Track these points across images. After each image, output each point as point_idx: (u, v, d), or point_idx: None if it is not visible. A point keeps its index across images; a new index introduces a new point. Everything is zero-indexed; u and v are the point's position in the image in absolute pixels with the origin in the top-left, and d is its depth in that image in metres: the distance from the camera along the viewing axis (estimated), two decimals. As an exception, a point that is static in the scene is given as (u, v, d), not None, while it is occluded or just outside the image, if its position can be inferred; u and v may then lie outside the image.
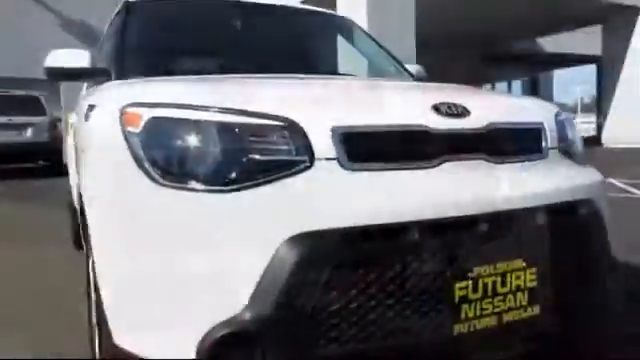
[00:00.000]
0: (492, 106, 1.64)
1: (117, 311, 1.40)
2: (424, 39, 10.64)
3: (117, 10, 2.86)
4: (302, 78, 1.96)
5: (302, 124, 1.34)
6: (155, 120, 1.41)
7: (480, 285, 1.37)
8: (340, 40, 2.92)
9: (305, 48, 2.80)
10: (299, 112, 1.36)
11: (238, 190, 1.28)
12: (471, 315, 1.37)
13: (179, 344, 1.28)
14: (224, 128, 1.34)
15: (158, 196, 1.33)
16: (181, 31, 2.57)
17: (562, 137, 1.74)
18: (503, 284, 1.40)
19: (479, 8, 13.95)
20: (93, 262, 1.50)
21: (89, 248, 1.90)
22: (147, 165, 1.37)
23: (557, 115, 1.78)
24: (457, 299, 1.34)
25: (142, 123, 1.43)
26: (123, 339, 1.38)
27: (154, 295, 1.31)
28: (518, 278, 1.42)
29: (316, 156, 1.33)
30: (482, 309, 1.38)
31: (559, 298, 1.51)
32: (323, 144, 1.33)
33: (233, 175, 1.30)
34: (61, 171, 10.74)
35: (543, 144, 1.66)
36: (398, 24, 9.63)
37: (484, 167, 1.50)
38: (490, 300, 1.39)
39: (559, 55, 20.42)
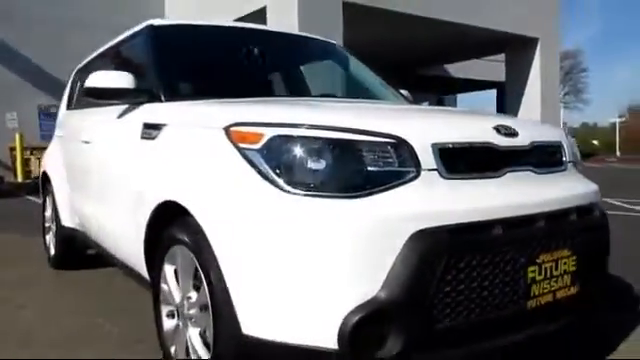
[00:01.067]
0: (530, 127, 2.02)
1: (250, 306, 1.60)
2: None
3: (134, 32, 2.97)
4: (360, 102, 2.26)
5: (409, 141, 1.63)
6: (280, 138, 1.63)
7: (543, 269, 1.73)
8: (345, 66, 3.26)
9: (325, 75, 3.10)
10: (404, 131, 1.65)
11: (366, 196, 1.55)
12: (537, 293, 1.72)
13: (318, 325, 1.51)
14: (346, 144, 1.60)
15: (290, 202, 1.56)
16: (214, 54, 2.77)
17: (572, 153, 2.16)
18: (556, 268, 1.77)
19: (394, 36, 14.89)
20: (215, 267, 1.67)
21: (161, 267, 2.05)
22: (274, 176, 1.60)
23: (566, 135, 2.20)
24: (529, 280, 1.69)
25: (264, 140, 1.66)
26: (255, 329, 1.59)
27: (290, 289, 1.54)
28: (565, 264, 1.80)
29: (422, 167, 1.62)
30: (543, 288, 1.74)
31: (588, 279, 1.90)
32: (426, 157, 1.64)
33: (359, 183, 1.56)
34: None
35: (564, 158, 2.07)
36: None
37: (532, 176, 1.87)
38: (548, 281, 1.75)
39: (464, 80, 22.05)
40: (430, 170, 1.64)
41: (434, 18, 13.56)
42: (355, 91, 3.05)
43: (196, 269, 1.83)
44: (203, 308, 1.83)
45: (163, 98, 2.37)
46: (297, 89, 2.77)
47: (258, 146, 1.66)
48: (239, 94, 2.36)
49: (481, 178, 1.73)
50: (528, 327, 1.73)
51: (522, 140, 1.88)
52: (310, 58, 3.30)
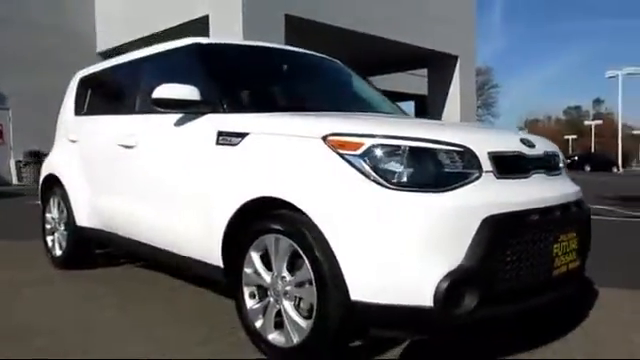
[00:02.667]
0: (539, 140, 2.61)
1: (359, 277, 2.03)
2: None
3: (175, 48, 3.28)
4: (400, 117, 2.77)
5: (473, 149, 2.15)
6: (378, 146, 2.10)
7: (562, 246, 2.31)
8: (352, 81, 3.78)
9: (348, 90, 3.61)
10: (468, 141, 2.17)
11: (449, 190, 2.05)
12: (558, 264, 2.30)
13: (418, 288, 1.98)
14: (430, 151, 2.10)
15: (392, 196, 2.02)
16: (259, 70, 3.17)
17: (563, 161, 2.79)
18: (568, 246, 2.37)
19: (329, 48, 15.59)
20: (323, 248, 2.09)
21: (244, 258, 2.43)
22: (377, 176, 2.06)
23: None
24: (554, 255, 2.27)
25: (364, 148, 2.11)
26: (362, 295, 2.03)
27: (394, 262, 1.99)
28: (573, 243, 2.40)
29: (483, 169, 2.15)
30: (561, 261, 2.32)
31: (583, 255, 2.53)
32: (485, 162, 2.16)
33: (442, 181, 2.06)
34: None
35: (560, 165, 2.69)
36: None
37: (545, 178, 2.46)
38: (564, 256, 2.34)
39: (388, 92, 23.28)
40: (487, 172, 2.16)
41: (366, 33, 14.45)
42: (370, 105, 3.57)
43: (293, 253, 2.24)
44: (299, 284, 2.24)
45: (227, 109, 2.74)
46: (332, 102, 3.23)
47: (359, 152, 2.11)
48: (287, 107, 2.79)
49: (518, 178, 2.29)
50: (554, 291, 2.31)
51: (538, 150, 2.47)
52: (333, 74, 3.79)
